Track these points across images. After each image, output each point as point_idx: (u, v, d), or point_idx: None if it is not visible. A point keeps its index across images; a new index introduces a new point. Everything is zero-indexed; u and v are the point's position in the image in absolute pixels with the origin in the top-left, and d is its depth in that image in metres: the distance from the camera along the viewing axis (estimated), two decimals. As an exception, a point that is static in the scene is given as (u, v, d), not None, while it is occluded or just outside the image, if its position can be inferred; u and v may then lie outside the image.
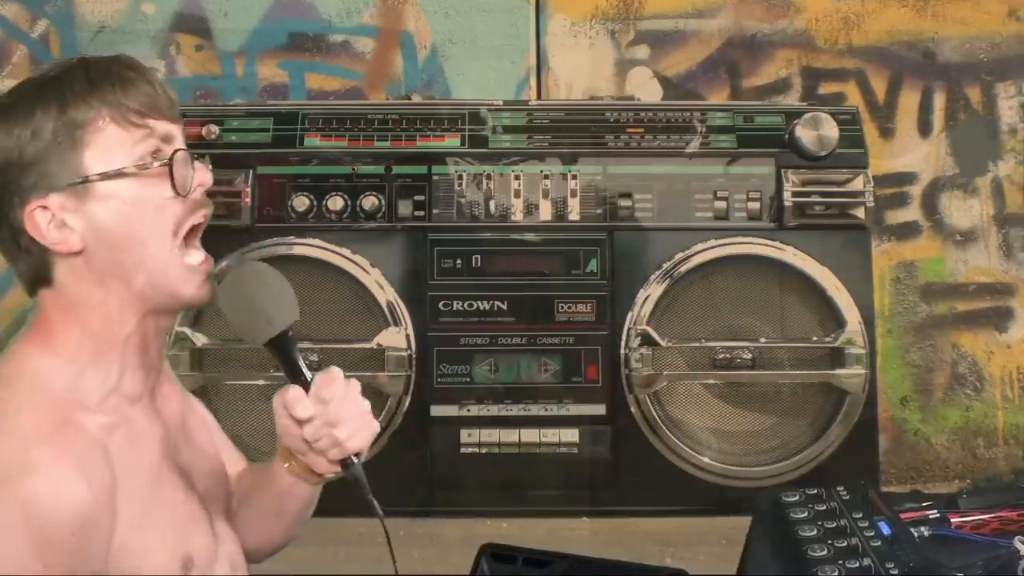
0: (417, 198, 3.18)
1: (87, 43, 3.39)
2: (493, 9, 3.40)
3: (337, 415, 1.09)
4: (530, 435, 3.15)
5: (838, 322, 3.17)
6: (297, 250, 3.16)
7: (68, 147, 1.02)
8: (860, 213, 3.22)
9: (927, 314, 3.44)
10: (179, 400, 1.23)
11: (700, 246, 3.14)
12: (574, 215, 3.20)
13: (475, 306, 3.16)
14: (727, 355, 3.16)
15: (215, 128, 3.24)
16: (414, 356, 3.14)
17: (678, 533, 2.94)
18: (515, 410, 3.15)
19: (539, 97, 3.37)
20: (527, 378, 3.17)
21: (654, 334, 3.14)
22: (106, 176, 1.03)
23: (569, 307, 3.18)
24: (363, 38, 3.42)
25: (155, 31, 3.39)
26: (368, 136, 3.21)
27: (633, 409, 3.15)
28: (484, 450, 3.16)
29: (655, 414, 3.14)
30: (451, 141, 3.22)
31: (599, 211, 3.19)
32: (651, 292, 3.15)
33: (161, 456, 1.10)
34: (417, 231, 3.18)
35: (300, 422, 1.09)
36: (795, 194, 3.18)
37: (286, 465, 1.18)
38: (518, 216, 3.20)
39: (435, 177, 3.19)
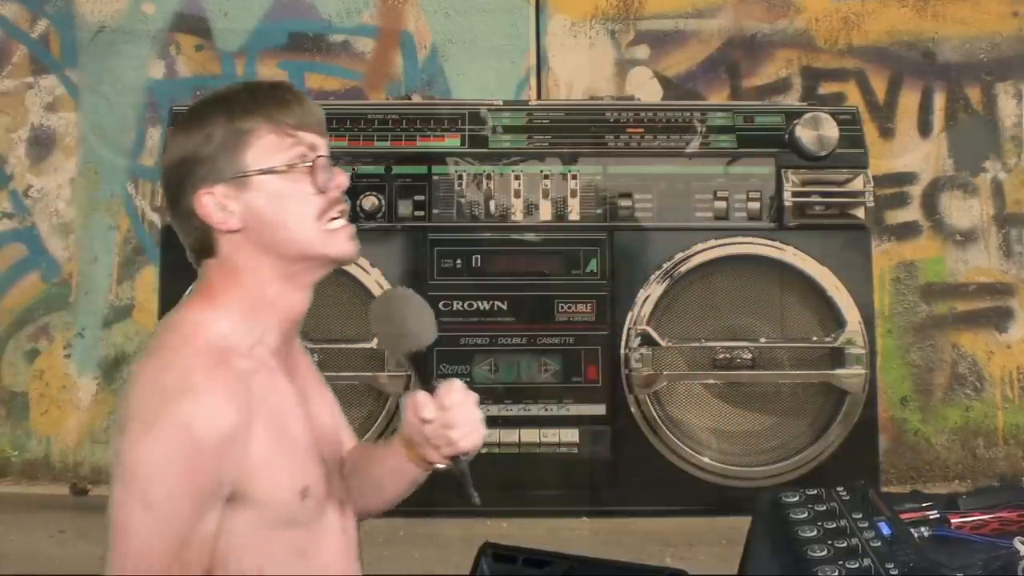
0: (417, 198, 3.18)
1: (87, 43, 3.39)
2: (493, 9, 3.40)
3: (453, 420, 1.36)
4: (530, 435, 3.14)
5: (838, 322, 3.16)
6: (297, 250, 3.16)
7: (233, 149, 1.28)
8: (860, 213, 3.22)
9: (927, 314, 3.44)
10: (308, 368, 1.44)
11: (700, 246, 3.13)
12: (574, 215, 3.20)
13: (475, 306, 3.15)
14: (727, 355, 3.16)
15: (215, 128, 3.24)
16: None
17: (678, 533, 2.93)
18: (515, 410, 3.15)
19: (539, 97, 3.37)
20: (527, 378, 3.17)
21: (654, 334, 3.14)
22: (261, 172, 1.28)
23: (569, 307, 3.18)
24: (363, 38, 3.42)
25: (155, 31, 3.39)
26: (368, 136, 3.21)
27: (633, 409, 3.15)
28: (484, 450, 3.14)
29: (655, 414, 3.14)
30: (451, 141, 3.22)
31: (599, 211, 3.19)
32: (651, 292, 3.15)
33: (292, 404, 1.31)
34: (417, 231, 3.18)
35: (424, 421, 1.32)
36: (795, 194, 3.18)
37: (405, 450, 1.38)
38: (518, 216, 3.20)
39: (435, 177, 3.19)
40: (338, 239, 1.33)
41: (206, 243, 1.34)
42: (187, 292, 1.47)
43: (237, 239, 1.31)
